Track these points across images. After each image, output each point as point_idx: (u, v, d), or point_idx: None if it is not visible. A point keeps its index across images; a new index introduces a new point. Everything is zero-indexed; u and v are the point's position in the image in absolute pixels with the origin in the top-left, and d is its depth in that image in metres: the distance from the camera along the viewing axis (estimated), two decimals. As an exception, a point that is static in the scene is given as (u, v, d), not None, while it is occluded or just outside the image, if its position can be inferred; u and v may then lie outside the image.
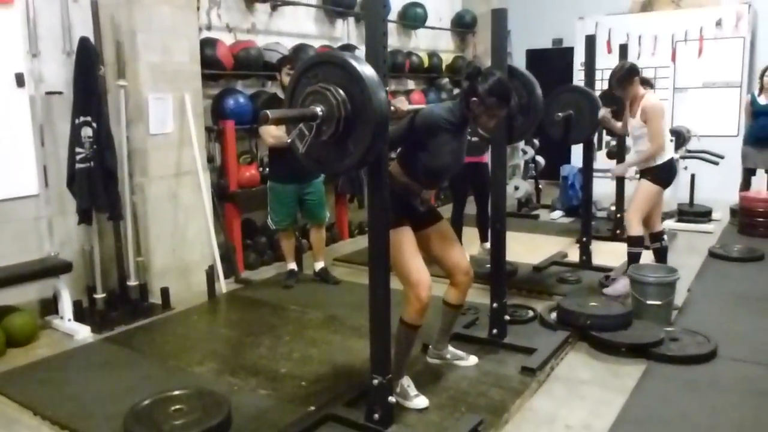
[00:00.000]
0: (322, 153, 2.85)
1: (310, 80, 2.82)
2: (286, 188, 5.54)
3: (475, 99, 3.36)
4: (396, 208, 3.31)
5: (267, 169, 5.99)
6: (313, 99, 2.75)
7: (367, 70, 2.70)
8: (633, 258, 5.18)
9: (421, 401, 3.46)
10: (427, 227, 3.61)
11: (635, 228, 5.14)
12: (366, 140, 2.69)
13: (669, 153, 5.11)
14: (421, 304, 3.32)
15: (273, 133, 5.24)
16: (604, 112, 5.53)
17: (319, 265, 5.94)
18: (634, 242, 5.18)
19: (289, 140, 2.88)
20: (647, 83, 5.18)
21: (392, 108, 3.30)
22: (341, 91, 2.71)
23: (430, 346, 4.03)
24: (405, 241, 3.36)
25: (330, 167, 2.98)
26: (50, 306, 5.00)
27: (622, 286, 5.13)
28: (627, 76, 5.02)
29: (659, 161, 5.04)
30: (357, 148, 2.74)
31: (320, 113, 2.71)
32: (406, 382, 3.50)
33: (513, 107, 3.85)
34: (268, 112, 2.58)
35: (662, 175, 5.09)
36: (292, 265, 5.91)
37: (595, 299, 4.74)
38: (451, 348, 4.03)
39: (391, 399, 3.15)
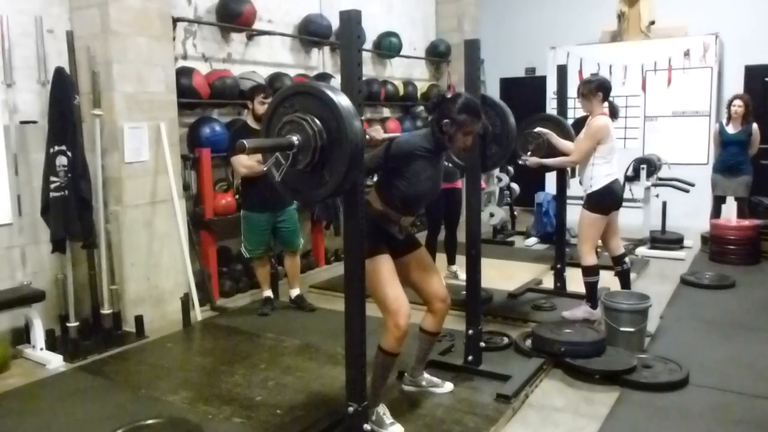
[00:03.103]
0: (299, 181, 2.88)
1: (287, 110, 2.85)
2: (260, 217, 5.55)
3: (447, 120, 3.41)
4: (374, 235, 3.34)
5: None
6: (289, 128, 2.77)
7: (343, 101, 2.73)
8: (590, 287, 5.27)
9: (396, 429, 3.45)
10: (405, 255, 3.63)
11: (587, 258, 5.20)
12: (341, 169, 2.72)
13: (603, 179, 5.04)
14: (400, 332, 3.33)
15: (245, 163, 5.28)
16: (547, 131, 5.49)
17: (295, 292, 5.93)
18: (589, 272, 5.25)
19: (265, 168, 2.91)
20: (612, 112, 5.25)
21: (367, 137, 3.34)
22: (317, 121, 2.73)
23: (406, 374, 4.03)
24: (384, 268, 3.37)
25: (306, 196, 3.00)
26: (22, 335, 4.94)
27: (581, 311, 5.29)
28: (594, 88, 5.06)
29: (594, 188, 5.06)
30: (333, 177, 2.76)
31: (296, 143, 2.73)
32: (382, 409, 3.50)
33: (486, 126, 3.91)
34: (245, 141, 2.60)
35: (596, 202, 5.10)
36: (268, 293, 5.90)
37: (570, 326, 4.78)
38: (426, 375, 4.04)
39: (367, 427, 3.14)
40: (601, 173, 5.06)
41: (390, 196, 3.48)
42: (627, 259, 5.48)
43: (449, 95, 3.53)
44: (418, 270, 3.67)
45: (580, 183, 5.29)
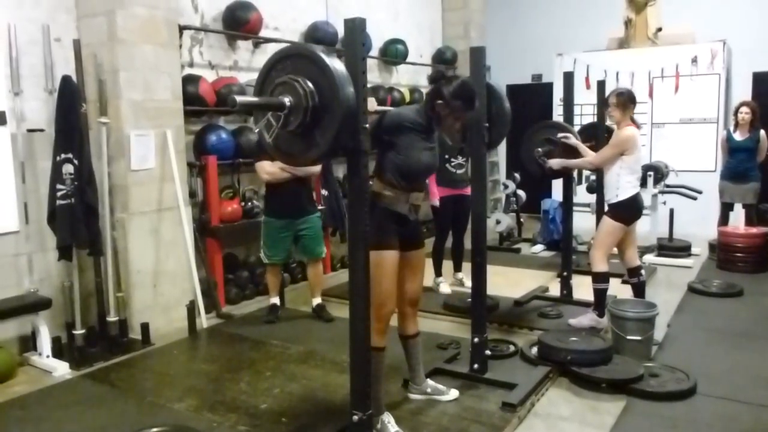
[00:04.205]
0: (290, 144, 2.88)
1: (279, 72, 2.85)
2: (279, 223, 5.56)
3: (440, 101, 3.41)
4: (385, 228, 3.36)
5: (248, 204, 6.22)
6: (282, 90, 2.77)
7: (336, 64, 2.74)
8: (599, 294, 5.24)
9: (401, 438, 3.45)
10: (408, 250, 3.62)
11: (599, 265, 5.19)
12: (332, 131, 2.72)
13: (630, 190, 5.07)
14: (380, 323, 3.40)
15: (267, 170, 5.31)
16: (573, 138, 5.55)
17: (316, 301, 5.90)
18: (599, 279, 5.24)
19: (256, 129, 2.91)
20: (635, 121, 5.30)
21: None
22: (309, 83, 2.73)
23: (411, 382, 4.02)
24: (387, 263, 3.41)
25: (298, 158, 3.00)
26: (29, 342, 4.94)
27: (587, 319, 5.25)
28: (626, 99, 5.14)
29: (620, 198, 5.07)
30: (324, 139, 2.76)
31: (288, 103, 2.73)
32: (387, 418, 3.49)
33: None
34: (236, 97, 2.62)
35: (621, 212, 5.11)
36: (275, 300, 5.89)
37: (576, 334, 4.75)
38: (431, 382, 4.03)
39: (371, 436, 3.15)
40: (628, 184, 5.09)
41: (390, 175, 3.47)
42: (643, 272, 5.45)
43: (449, 74, 3.51)
44: (408, 268, 3.67)
45: (589, 190, 5.29)
